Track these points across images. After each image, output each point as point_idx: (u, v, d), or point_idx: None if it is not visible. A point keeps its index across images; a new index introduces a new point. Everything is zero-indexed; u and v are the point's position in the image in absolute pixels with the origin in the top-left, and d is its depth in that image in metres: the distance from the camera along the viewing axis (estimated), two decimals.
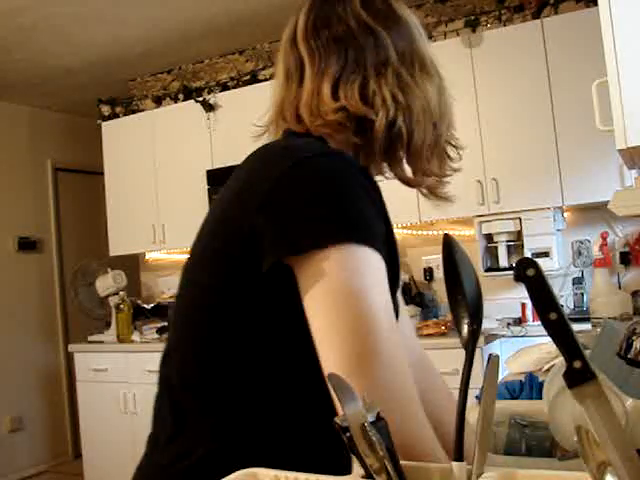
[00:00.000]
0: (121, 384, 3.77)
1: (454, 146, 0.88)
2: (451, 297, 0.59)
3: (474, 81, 3.22)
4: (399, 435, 0.60)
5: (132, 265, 4.62)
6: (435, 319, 3.32)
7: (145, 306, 4.17)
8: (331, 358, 0.68)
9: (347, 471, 0.62)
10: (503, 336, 3.10)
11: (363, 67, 0.81)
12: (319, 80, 0.83)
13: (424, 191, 0.90)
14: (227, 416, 0.78)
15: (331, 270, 0.68)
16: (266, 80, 3.96)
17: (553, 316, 0.49)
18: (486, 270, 3.29)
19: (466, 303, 0.56)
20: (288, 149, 0.78)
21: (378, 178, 0.88)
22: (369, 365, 0.67)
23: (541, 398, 1.17)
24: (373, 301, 0.69)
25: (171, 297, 4.34)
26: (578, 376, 0.48)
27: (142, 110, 4.50)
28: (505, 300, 3.37)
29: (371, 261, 0.70)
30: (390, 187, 0.92)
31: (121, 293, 3.97)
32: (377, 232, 0.72)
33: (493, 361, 0.57)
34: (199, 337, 0.79)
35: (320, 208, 0.70)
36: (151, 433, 0.88)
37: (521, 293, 3.11)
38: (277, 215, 0.71)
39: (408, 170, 0.86)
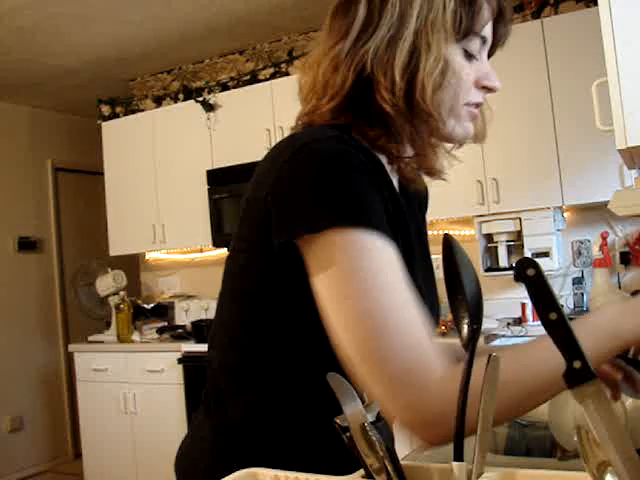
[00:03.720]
0: (121, 384, 3.77)
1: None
2: (451, 297, 0.59)
3: None
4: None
5: (132, 265, 4.62)
6: None
7: (145, 306, 4.17)
8: (343, 344, 0.71)
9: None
10: (503, 336, 3.10)
11: None
12: None
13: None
14: (258, 395, 0.83)
15: (331, 255, 0.71)
16: (266, 80, 3.96)
17: (553, 316, 0.49)
18: (486, 270, 3.29)
19: (466, 303, 0.56)
20: (293, 137, 0.80)
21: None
22: (376, 351, 0.68)
23: None
24: (375, 285, 0.70)
25: (171, 297, 4.35)
26: (578, 376, 0.48)
27: (142, 110, 4.49)
28: (505, 300, 3.37)
29: (373, 243, 0.71)
30: None
31: (121, 293, 3.97)
32: (376, 214, 0.73)
33: (493, 361, 0.57)
34: (233, 321, 0.85)
35: (315, 193, 0.72)
36: (195, 413, 0.95)
37: (521, 293, 3.10)
38: (279, 201, 0.74)
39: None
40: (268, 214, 0.75)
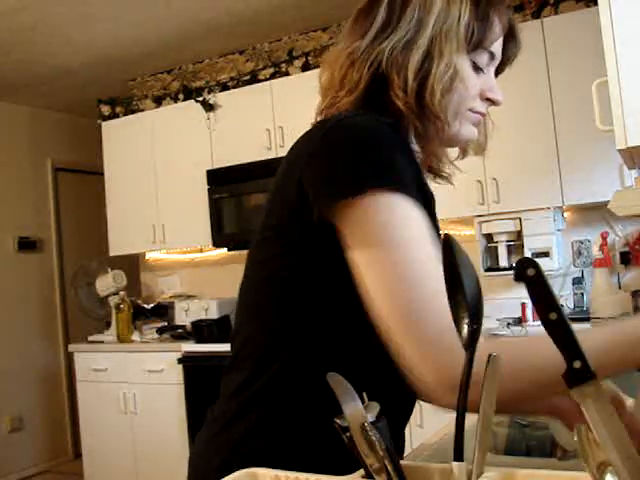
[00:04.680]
0: (121, 384, 3.77)
1: None
2: (451, 297, 0.59)
3: None
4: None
5: (132, 265, 4.62)
6: None
7: (145, 306, 4.17)
8: (381, 313, 0.72)
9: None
10: (503, 336, 3.10)
11: None
12: None
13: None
14: (288, 381, 0.82)
15: (367, 221, 0.73)
16: (266, 80, 3.96)
17: (553, 316, 0.49)
18: (486, 270, 3.28)
19: (466, 303, 0.56)
20: (321, 122, 0.83)
21: None
22: (415, 320, 0.70)
23: None
24: (416, 251, 0.72)
25: (171, 297, 4.34)
26: (578, 376, 0.48)
27: (142, 110, 4.49)
28: (505, 300, 3.37)
29: (406, 209, 0.73)
30: None
31: (121, 293, 3.97)
32: (409, 181, 0.76)
33: (493, 361, 0.57)
34: (269, 304, 0.85)
35: (352, 160, 0.75)
36: (210, 409, 0.93)
37: (521, 293, 3.10)
38: (315, 176, 0.77)
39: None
40: (302, 195, 0.77)
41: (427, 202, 0.81)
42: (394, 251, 0.72)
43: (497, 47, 0.88)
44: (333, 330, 0.81)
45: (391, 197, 0.73)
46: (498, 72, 0.92)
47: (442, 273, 0.70)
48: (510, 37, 0.90)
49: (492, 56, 0.87)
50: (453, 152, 0.98)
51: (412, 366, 0.70)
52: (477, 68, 0.86)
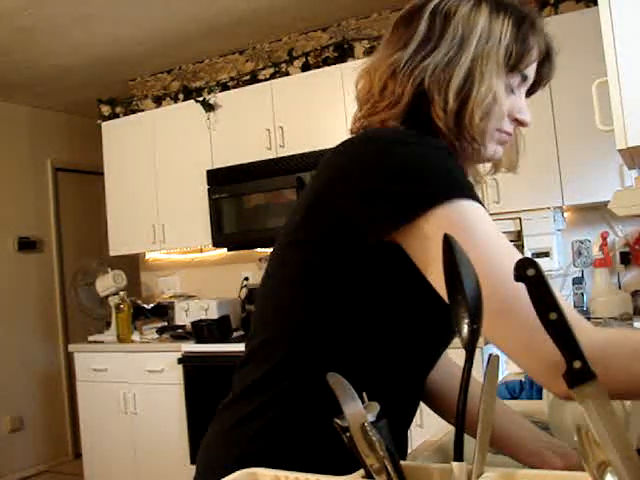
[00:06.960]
0: (121, 384, 3.77)
1: None
2: (451, 297, 0.59)
3: None
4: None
5: (132, 265, 4.62)
6: None
7: (145, 306, 4.17)
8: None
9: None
10: None
11: None
12: None
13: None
14: (300, 383, 0.82)
15: (450, 225, 0.71)
16: (266, 80, 3.96)
17: (553, 316, 0.49)
18: None
19: (466, 303, 0.56)
20: (369, 136, 0.82)
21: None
22: (513, 309, 0.68)
23: (541, 398, 1.17)
24: (504, 244, 0.75)
25: (171, 297, 4.35)
26: (578, 376, 0.48)
27: (142, 110, 4.49)
28: None
29: (480, 212, 0.75)
30: None
31: (121, 293, 3.97)
32: (470, 186, 0.77)
33: (493, 361, 0.57)
34: (296, 307, 0.84)
35: (414, 177, 0.74)
36: (221, 403, 0.93)
37: None
38: (371, 196, 0.75)
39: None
40: (346, 214, 0.77)
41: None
42: (490, 247, 0.73)
43: (531, 70, 0.88)
44: (353, 337, 0.81)
45: (462, 203, 0.73)
46: (530, 93, 0.92)
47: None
48: (546, 60, 0.89)
49: (525, 79, 0.87)
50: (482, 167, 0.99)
51: (517, 358, 0.69)
52: (509, 89, 0.86)
